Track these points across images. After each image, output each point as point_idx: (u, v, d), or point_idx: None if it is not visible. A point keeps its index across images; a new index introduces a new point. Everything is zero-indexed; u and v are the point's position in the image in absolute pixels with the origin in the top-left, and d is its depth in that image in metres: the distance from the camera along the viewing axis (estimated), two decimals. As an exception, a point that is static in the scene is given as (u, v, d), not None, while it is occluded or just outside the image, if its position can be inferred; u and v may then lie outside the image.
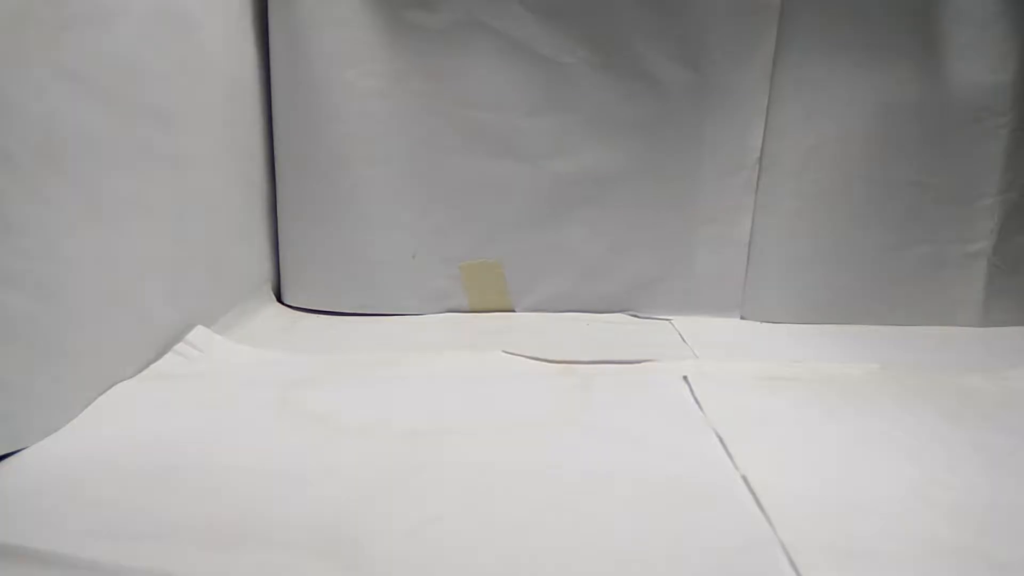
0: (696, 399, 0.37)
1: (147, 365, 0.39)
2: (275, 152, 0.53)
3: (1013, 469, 0.30)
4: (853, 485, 0.28)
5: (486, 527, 0.24)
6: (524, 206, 0.55)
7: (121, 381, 0.36)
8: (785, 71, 0.53)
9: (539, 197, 0.55)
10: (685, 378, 0.40)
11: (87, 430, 0.31)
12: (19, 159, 0.31)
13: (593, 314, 0.56)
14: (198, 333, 0.43)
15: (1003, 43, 0.52)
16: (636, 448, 0.31)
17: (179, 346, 0.41)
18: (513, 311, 0.57)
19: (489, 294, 0.56)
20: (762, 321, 0.57)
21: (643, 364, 0.43)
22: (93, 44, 0.35)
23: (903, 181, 0.54)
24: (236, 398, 0.36)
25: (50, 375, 0.32)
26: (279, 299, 0.55)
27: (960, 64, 0.52)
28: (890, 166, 0.54)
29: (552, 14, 0.52)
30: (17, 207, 0.31)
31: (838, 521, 0.25)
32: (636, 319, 0.55)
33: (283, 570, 0.22)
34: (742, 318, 0.57)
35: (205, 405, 0.35)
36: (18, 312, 0.31)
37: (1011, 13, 0.51)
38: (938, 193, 0.55)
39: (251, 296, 0.52)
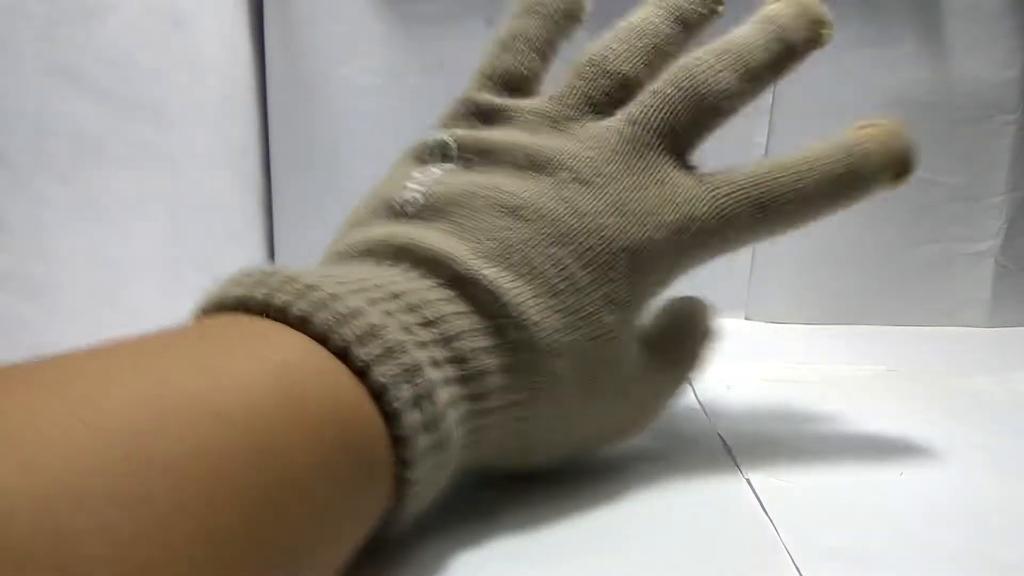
0: (699, 401, 0.37)
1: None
2: (270, 149, 0.53)
3: (1020, 472, 0.30)
4: (859, 488, 0.28)
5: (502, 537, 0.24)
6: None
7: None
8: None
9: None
10: (688, 380, 0.40)
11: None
12: (11, 156, 0.31)
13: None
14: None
15: (1011, 39, 0.51)
16: (637, 451, 0.30)
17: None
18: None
19: None
20: (767, 322, 0.56)
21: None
22: (86, 40, 0.34)
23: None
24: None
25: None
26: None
27: (968, 60, 0.52)
28: (896, 164, 0.54)
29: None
30: (9, 205, 0.31)
31: (844, 525, 0.25)
32: (638, 319, 0.55)
33: None
34: (746, 318, 0.57)
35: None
36: (9, 312, 0.30)
37: (1019, 9, 0.51)
38: (945, 191, 0.54)
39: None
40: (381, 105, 0.52)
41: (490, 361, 0.22)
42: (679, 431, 0.33)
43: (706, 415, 0.35)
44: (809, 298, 0.56)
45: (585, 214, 0.24)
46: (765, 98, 0.53)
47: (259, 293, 0.19)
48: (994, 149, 0.53)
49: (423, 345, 0.20)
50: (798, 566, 0.22)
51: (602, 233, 0.24)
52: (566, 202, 0.24)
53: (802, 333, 0.53)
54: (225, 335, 0.18)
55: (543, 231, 0.23)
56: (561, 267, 0.23)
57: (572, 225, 0.24)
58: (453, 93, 0.53)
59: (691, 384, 0.39)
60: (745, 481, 0.28)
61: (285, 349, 0.18)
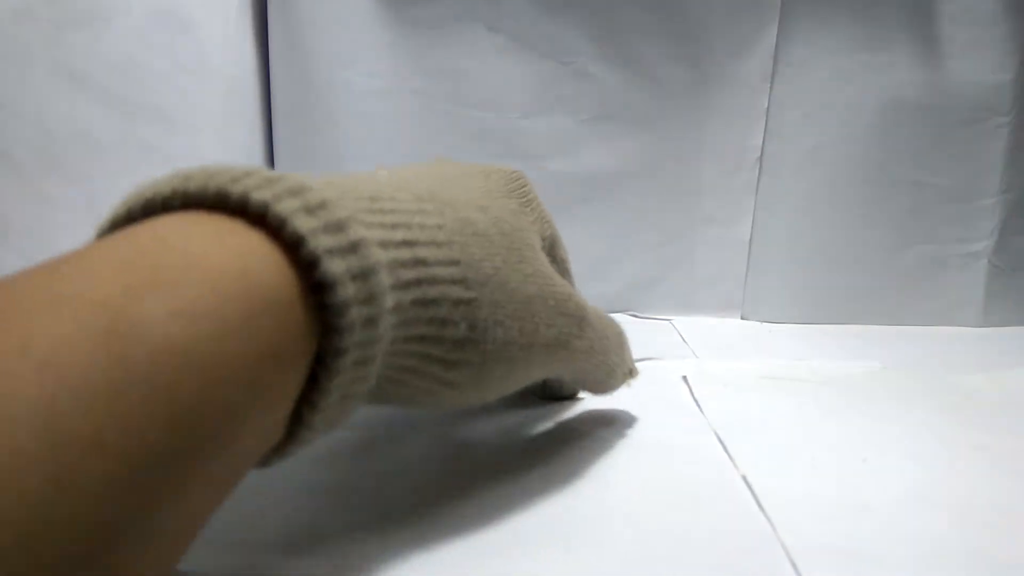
0: (695, 399, 0.37)
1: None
2: (274, 152, 0.53)
3: (1014, 470, 0.30)
4: (854, 486, 0.28)
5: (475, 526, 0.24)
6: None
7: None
8: (786, 71, 0.53)
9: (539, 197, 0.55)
10: (684, 378, 0.40)
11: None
12: (19, 159, 0.31)
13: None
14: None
15: (1005, 43, 0.52)
16: (634, 449, 0.31)
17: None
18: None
19: None
20: (762, 321, 0.56)
21: (642, 363, 0.42)
22: (93, 43, 0.35)
23: (903, 181, 0.54)
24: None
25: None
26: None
27: (961, 63, 0.52)
28: (890, 166, 0.54)
29: (552, 11, 0.52)
30: (16, 206, 0.31)
31: (839, 522, 0.25)
32: (636, 319, 0.55)
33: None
34: (742, 318, 0.57)
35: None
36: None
37: (1013, 13, 0.51)
38: (938, 193, 0.54)
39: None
40: (384, 108, 0.52)
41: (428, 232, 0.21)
42: (675, 428, 0.33)
43: (702, 412, 0.35)
44: (804, 298, 0.56)
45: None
46: (761, 101, 0.53)
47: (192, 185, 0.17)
48: (987, 151, 0.54)
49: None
50: (794, 562, 0.22)
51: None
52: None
53: (797, 332, 0.54)
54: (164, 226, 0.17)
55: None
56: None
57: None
58: (455, 97, 0.54)
59: (687, 382, 0.39)
60: (741, 478, 0.28)
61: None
